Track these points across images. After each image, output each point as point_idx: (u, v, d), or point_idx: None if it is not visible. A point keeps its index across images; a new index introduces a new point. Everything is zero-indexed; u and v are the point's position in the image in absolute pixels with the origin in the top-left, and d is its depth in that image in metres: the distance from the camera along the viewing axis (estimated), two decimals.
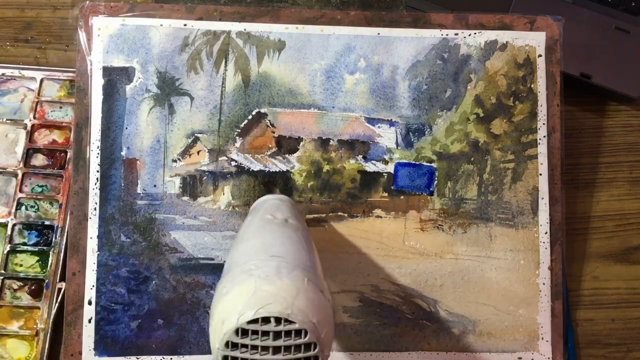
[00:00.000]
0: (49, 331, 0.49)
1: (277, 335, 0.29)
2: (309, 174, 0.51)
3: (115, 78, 0.50)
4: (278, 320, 0.29)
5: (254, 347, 0.29)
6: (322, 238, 0.50)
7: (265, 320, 0.29)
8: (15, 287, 0.51)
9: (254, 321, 0.29)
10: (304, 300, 0.30)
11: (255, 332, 0.29)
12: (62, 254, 0.51)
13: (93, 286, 0.48)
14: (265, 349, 0.29)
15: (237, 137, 0.51)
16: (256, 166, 0.50)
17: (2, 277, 0.51)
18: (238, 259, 0.34)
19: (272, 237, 0.36)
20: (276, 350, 0.29)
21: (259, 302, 0.29)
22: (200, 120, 0.50)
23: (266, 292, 0.29)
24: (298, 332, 0.29)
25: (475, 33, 0.52)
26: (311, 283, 0.31)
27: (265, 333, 0.29)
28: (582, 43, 0.56)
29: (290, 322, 0.29)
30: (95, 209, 0.48)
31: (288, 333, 0.29)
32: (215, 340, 0.30)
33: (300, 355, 0.29)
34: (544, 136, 0.51)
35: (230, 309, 0.30)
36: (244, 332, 0.29)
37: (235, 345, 0.29)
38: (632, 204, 0.56)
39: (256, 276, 0.30)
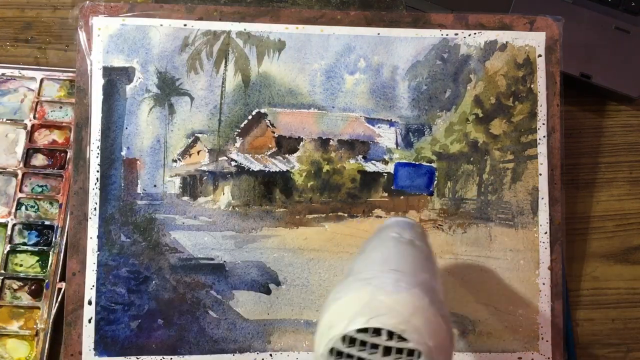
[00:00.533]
0: (49, 331, 0.49)
1: (386, 351, 0.26)
2: (309, 174, 0.51)
3: (115, 78, 0.50)
4: (390, 335, 0.26)
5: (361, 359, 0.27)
6: (322, 238, 0.50)
7: (377, 332, 0.27)
8: (15, 287, 0.51)
9: (364, 331, 0.27)
10: (422, 319, 0.27)
11: (363, 344, 0.27)
12: (62, 254, 0.51)
13: (93, 286, 0.48)
14: None
15: (237, 137, 0.51)
16: (256, 166, 0.50)
17: (2, 277, 0.51)
18: (355, 269, 0.32)
19: (395, 253, 0.34)
20: None
21: (372, 312, 0.27)
22: (200, 120, 0.50)
23: (381, 302, 0.27)
24: (411, 353, 0.26)
25: (475, 33, 0.52)
26: (433, 305, 0.28)
27: (374, 347, 0.26)
28: (582, 43, 0.56)
29: (404, 339, 0.26)
30: (95, 209, 0.48)
31: (399, 352, 0.26)
32: (319, 345, 0.28)
33: None
34: (544, 136, 0.51)
35: (340, 314, 0.28)
36: (351, 341, 0.27)
37: (340, 355, 0.27)
38: (632, 204, 0.56)
39: (373, 285, 0.28)
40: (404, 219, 0.42)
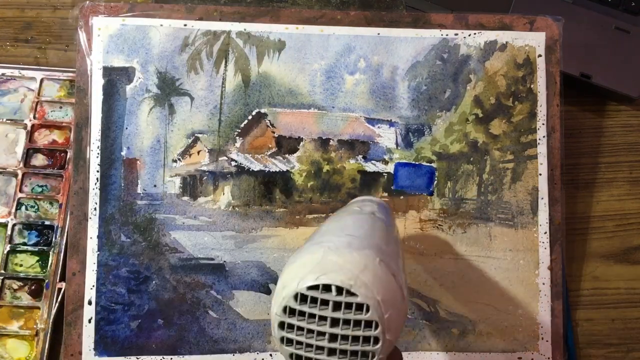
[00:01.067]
0: (49, 331, 0.49)
1: (336, 307, 0.27)
2: (309, 174, 0.51)
3: (115, 78, 0.50)
4: (340, 291, 0.27)
5: (312, 316, 0.28)
6: None
7: (327, 290, 0.27)
8: (15, 287, 0.51)
9: (315, 288, 0.27)
10: (371, 275, 0.28)
11: (314, 301, 0.28)
12: (62, 254, 0.51)
13: (93, 286, 0.48)
14: (323, 319, 0.28)
15: (237, 137, 0.51)
16: (256, 166, 0.50)
17: (2, 277, 0.51)
18: (313, 237, 0.33)
19: (353, 221, 0.35)
20: (334, 322, 0.28)
21: (322, 269, 0.28)
22: (200, 120, 0.50)
23: (332, 261, 0.28)
24: (359, 307, 0.27)
25: (475, 33, 0.52)
26: (382, 264, 0.29)
27: (325, 303, 0.27)
28: (582, 43, 0.56)
29: (353, 294, 0.27)
30: (95, 209, 0.48)
31: (349, 307, 0.27)
32: (274, 306, 0.29)
33: (360, 332, 0.27)
34: (544, 136, 0.51)
35: (293, 275, 0.29)
36: (303, 299, 0.28)
37: (293, 313, 0.28)
38: (632, 204, 0.56)
39: (325, 247, 0.29)
40: (369, 197, 0.44)
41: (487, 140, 0.51)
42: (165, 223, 0.49)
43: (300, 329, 0.28)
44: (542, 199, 0.50)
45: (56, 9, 0.58)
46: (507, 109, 0.51)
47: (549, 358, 0.49)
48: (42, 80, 0.55)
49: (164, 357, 0.48)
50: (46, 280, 0.50)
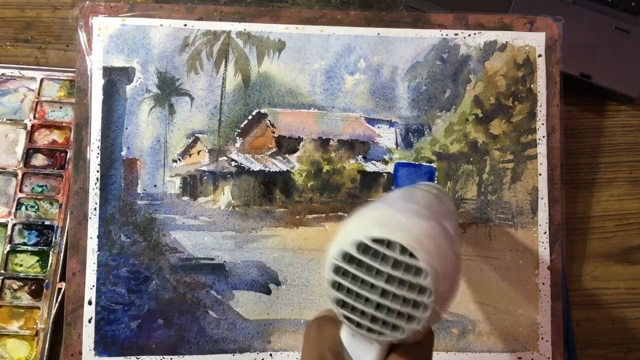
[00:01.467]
0: (49, 331, 0.49)
1: (396, 266, 0.28)
2: (309, 174, 0.51)
3: (116, 78, 0.50)
4: (403, 251, 0.28)
5: (370, 269, 0.28)
6: (322, 238, 0.50)
7: (390, 248, 0.28)
8: (15, 287, 0.51)
9: (380, 242, 0.28)
10: (435, 245, 0.28)
11: (375, 255, 0.28)
12: (62, 254, 0.51)
13: (93, 286, 0.48)
14: (380, 274, 0.28)
15: (237, 137, 0.51)
16: (256, 166, 0.50)
17: (2, 277, 0.51)
18: (380, 201, 0.33)
19: (421, 197, 0.35)
20: (390, 280, 0.28)
21: (390, 227, 0.28)
22: (200, 121, 0.50)
23: (400, 222, 0.29)
24: (418, 272, 0.28)
25: (475, 33, 0.52)
26: (448, 241, 0.29)
27: (385, 259, 0.28)
28: (582, 43, 0.56)
29: (415, 257, 0.27)
30: (95, 209, 0.49)
31: (407, 269, 0.28)
32: (334, 249, 0.29)
33: (412, 296, 0.28)
34: (544, 136, 0.51)
35: (359, 225, 0.29)
36: (364, 250, 0.28)
37: (351, 260, 0.28)
38: (632, 204, 0.56)
39: (395, 209, 0.30)
40: (433, 183, 0.44)
41: (487, 140, 0.51)
42: (165, 223, 0.49)
43: (354, 278, 0.28)
44: (542, 199, 0.50)
45: (56, 9, 0.58)
46: (507, 109, 0.51)
47: (549, 358, 0.49)
48: (42, 80, 0.55)
49: (164, 357, 0.48)
50: (46, 280, 0.50)
